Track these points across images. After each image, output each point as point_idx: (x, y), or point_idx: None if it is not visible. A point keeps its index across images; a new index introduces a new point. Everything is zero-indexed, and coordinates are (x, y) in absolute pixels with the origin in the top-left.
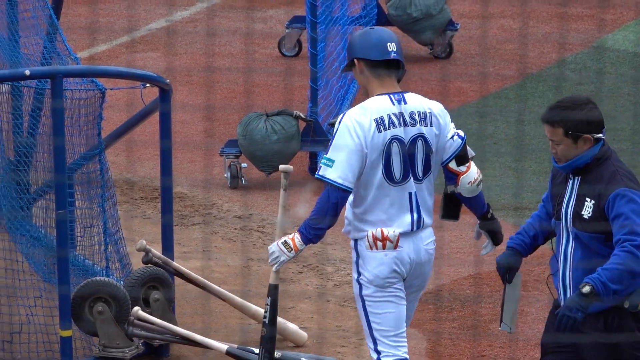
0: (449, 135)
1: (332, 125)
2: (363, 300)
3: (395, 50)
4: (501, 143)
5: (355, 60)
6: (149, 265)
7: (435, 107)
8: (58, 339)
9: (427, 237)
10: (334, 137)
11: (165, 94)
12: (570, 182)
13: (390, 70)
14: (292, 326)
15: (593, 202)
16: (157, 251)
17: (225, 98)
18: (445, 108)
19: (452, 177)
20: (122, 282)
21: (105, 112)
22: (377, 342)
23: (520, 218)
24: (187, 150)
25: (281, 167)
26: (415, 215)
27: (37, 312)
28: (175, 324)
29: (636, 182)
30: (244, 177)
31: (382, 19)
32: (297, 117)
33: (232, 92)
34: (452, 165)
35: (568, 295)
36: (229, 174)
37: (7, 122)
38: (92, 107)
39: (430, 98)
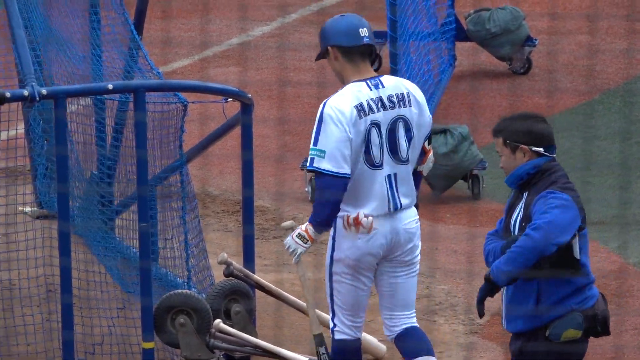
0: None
1: None
2: (331, 275)
3: (367, 35)
4: (577, 158)
5: (329, 48)
6: (230, 277)
7: (412, 87)
8: (140, 350)
9: (406, 217)
10: (318, 127)
11: (246, 108)
12: (521, 197)
13: (364, 55)
14: (371, 338)
15: None
16: (238, 264)
17: (305, 112)
18: None
19: (421, 155)
20: (203, 295)
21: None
22: (336, 315)
23: (602, 233)
24: (268, 164)
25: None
26: (393, 198)
27: (118, 323)
28: (256, 337)
29: (571, 190)
30: None
31: (461, 34)
32: None
33: (312, 106)
34: (425, 143)
35: None
36: (309, 188)
37: (91, 135)
38: (174, 120)
39: (508, 113)
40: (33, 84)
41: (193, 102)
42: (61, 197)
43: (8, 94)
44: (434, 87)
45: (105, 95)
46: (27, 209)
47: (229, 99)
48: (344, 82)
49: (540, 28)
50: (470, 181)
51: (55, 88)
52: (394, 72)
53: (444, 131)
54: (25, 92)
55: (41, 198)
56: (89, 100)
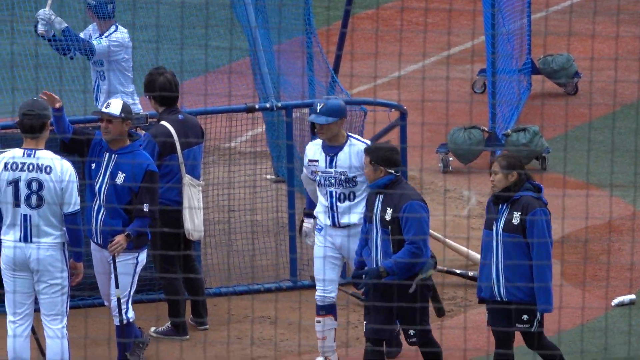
0: None
1: (506, 135)
2: None
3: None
4: (608, 146)
5: (343, 119)
6: None
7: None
8: None
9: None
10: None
11: (403, 115)
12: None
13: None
14: None
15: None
16: None
17: (440, 117)
18: (573, 124)
19: None
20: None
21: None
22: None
23: (622, 192)
24: (416, 150)
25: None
26: None
27: None
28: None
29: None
30: (450, 166)
31: (534, 70)
32: (483, 130)
33: (443, 116)
34: None
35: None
36: (441, 164)
37: (307, 131)
38: (358, 122)
39: (562, 119)
40: (272, 100)
41: (369, 111)
42: (289, 170)
43: (257, 106)
44: (517, 103)
45: None
46: (268, 176)
47: (392, 110)
48: (340, 136)
49: (583, 66)
50: (540, 160)
51: (286, 103)
52: (493, 94)
53: (523, 129)
54: (267, 105)
55: (277, 170)
56: (305, 110)
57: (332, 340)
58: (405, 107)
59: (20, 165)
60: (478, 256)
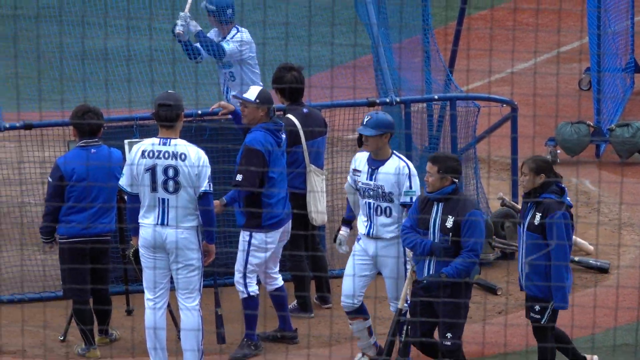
0: None
1: (610, 130)
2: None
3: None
4: None
5: (388, 133)
6: (504, 206)
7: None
8: None
9: None
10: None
11: (514, 109)
12: (436, 205)
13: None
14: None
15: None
16: (508, 199)
17: (549, 112)
18: None
19: None
20: (488, 216)
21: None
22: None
23: None
24: (526, 142)
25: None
26: None
27: None
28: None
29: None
30: (558, 158)
31: (638, 68)
32: (588, 125)
33: (552, 111)
34: None
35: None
36: (550, 155)
37: (423, 123)
38: (472, 116)
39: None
40: (392, 94)
41: (483, 107)
42: (407, 157)
43: (377, 100)
44: (621, 99)
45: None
46: None
47: (504, 105)
48: (384, 151)
49: None
50: None
51: (404, 97)
52: (598, 91)
53: (627, 124)
54: (387, 99)
55: None
56: (423, 105)
57: (367, 337)
58: (516, 102)
59: (157, 153)
60: (585, 243)
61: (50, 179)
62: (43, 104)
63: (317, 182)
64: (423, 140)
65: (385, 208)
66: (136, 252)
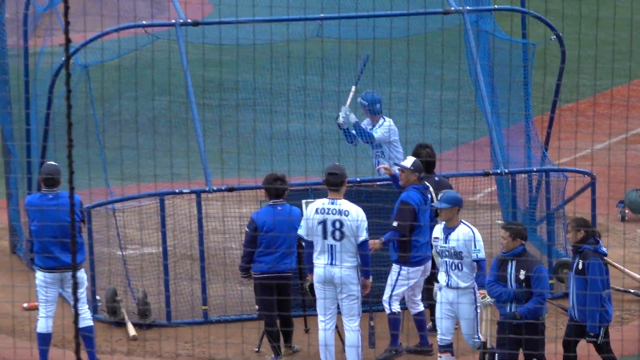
0: None
1: None
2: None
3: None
4: None
5: (457, 206)
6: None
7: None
8: None
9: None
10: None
11: (593, 178)
12: (510, 262)
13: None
14: None
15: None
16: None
17: (619, 181)
18: None
19: None
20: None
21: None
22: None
23: None
24: (602, 204)
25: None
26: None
27: None
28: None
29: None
30: (626, 217)
31: None
32: None
33: (621, 180)
34: None
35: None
36: (620, 215)
37: (523, 190)
38: (561, 185)
39: None
40: (502, 167)
41: (570, 177)
42: (513, 214)
43: (490, 171)
44: None
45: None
46: (499, 221)
47: (585, 175)
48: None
49: None
50: None
51: (512, 169)
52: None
53: None
54: (499, 170)
55: (504, 216)
56: (525, 175)
57: None
58: (594, 174)
59: (327, 210)
60: (637, 276)
61: (247, 229)
62: (241, 172)
63: None
64: (525, 201)
65: (458, 264)
66: (311, 285)
